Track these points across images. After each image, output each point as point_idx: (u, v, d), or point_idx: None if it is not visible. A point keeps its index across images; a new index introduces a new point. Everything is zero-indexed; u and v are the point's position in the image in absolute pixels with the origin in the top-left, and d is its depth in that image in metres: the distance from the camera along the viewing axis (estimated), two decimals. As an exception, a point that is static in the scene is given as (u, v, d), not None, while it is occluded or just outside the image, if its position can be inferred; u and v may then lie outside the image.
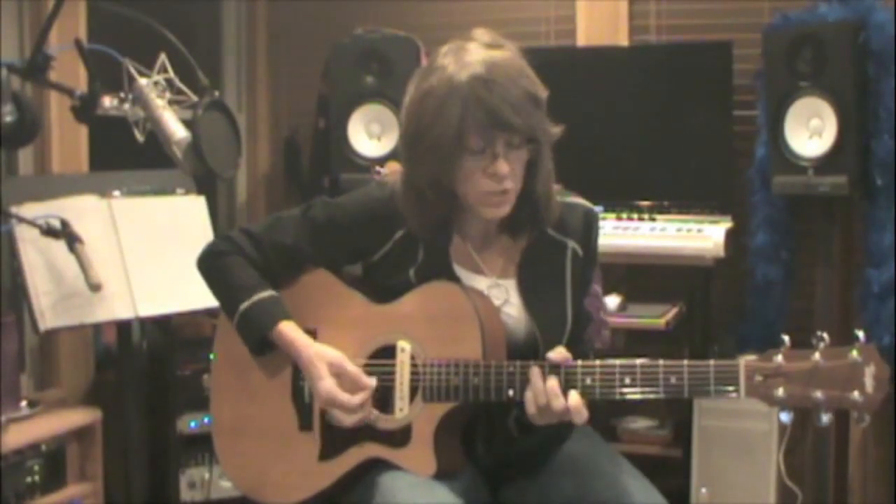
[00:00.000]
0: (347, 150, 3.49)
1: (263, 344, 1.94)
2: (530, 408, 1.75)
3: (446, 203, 1.86)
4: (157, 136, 2.29)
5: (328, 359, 1.88)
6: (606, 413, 3.47)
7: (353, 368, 1.87)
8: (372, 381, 1.86)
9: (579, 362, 1.75)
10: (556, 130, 1.84)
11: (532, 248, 1.92)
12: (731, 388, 1.67)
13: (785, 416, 1.68)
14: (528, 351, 1.84)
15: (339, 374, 1.86)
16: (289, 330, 1.91)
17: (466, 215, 1.90)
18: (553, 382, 1.73)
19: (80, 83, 2.45)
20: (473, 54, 1.77)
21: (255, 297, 1.92)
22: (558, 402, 1.72)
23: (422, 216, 1.87)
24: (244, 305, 1.92)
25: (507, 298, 1.90)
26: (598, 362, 1.75)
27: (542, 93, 1.80)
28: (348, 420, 1.87)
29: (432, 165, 1.79)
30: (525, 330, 1.89)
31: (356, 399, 1.84)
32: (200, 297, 2.38)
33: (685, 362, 1.70)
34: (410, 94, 1.83)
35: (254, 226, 2.01)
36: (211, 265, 2.01)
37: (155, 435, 3.18)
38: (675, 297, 3.40)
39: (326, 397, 1.86)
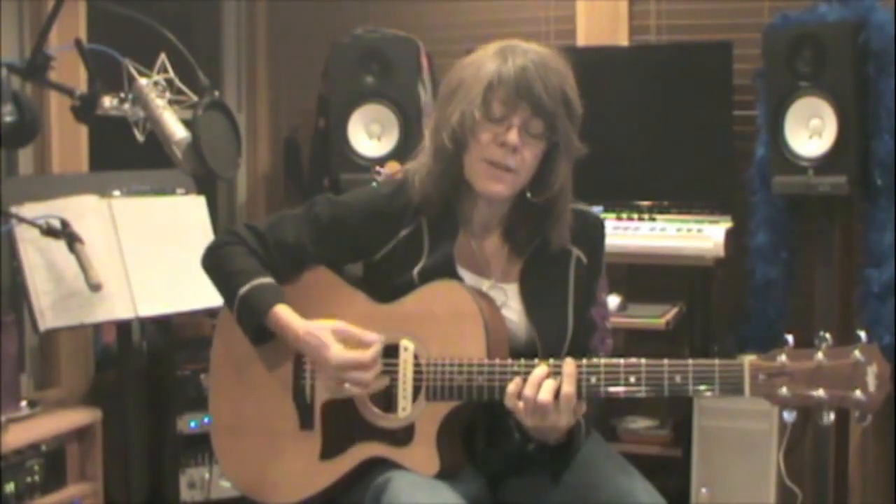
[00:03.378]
0: (347, 150, 3.49)
1: (262, 330, 1.93)
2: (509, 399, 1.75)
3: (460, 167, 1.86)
4: (157, 136, 2.28)
5: (330, 326, 1.87)
6: (606, 413, 3.46)
7: (356, 329, 1.86)
8: (378, 337, 1.84)
9: (584, 361, 1.75)
10: (579, 145, 1.86)
11: (536, 253, 1.92)
12: (737, 387, 1.68)
13: (787, 415, 1.68)
14: (527, 356, 1.82)
15: (343, 340, 1.85)
16: (285, 312, 1.90)
17: (471, 215, 1.90)
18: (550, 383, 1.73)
19: (80, 83, 2.44)
20: (526, 46, 1.83)
21: (254, 282, 1.91)
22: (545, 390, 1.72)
23: (437, 182, 1.87)
24: (243, 290, 1.91)
25: (504, 301, 1.90)
26: (602, 361, 1.75)
27: (578, 106, 1.84)
28: (366, 377, 1.83)
29: (458, 113, 1.81)
30: (525, 335, 1.90)
31: (369, 353, 1.83)
32: (200, 297, 2.39)
33: (690, 361, 1.70)
34: (454, 67, 1.88)
35: (258, 222, 2.01)
36: (214, 256, 2.00)
37: (155, 435, 3.18)
38: (675, 297, 3.40)
39: (338, 362, 1.83)
